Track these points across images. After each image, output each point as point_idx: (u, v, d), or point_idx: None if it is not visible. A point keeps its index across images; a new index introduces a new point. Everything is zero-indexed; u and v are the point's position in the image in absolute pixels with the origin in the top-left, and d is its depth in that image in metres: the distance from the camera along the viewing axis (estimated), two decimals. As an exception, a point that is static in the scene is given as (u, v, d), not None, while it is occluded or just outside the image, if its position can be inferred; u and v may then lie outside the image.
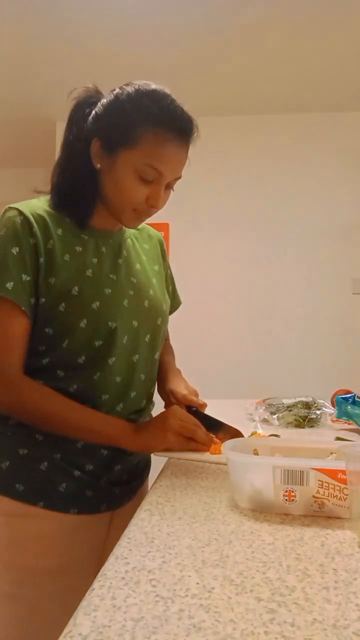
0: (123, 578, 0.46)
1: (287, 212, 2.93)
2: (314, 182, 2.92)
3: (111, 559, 0.50)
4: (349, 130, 2.92)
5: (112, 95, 0.88)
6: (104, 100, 0.89)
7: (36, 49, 2.37)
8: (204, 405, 0.97)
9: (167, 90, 0.89)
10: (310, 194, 2.92)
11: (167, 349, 1.17)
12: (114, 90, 0.89)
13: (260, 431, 1.13)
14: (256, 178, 2.97)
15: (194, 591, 0.43)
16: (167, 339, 1.20)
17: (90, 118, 0.89)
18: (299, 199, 2.93)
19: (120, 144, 0.85)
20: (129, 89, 0.87)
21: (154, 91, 0.87)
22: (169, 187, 0.91)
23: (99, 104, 0.89)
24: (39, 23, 2.18)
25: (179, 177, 0.91)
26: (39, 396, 0.85)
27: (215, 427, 0.94)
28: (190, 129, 0.87)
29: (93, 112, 0.89)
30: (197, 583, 0.45)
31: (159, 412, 0.99)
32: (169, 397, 0.99)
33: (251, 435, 1.07)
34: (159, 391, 1.03)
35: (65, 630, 0.38)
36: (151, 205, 0.89)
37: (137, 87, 0.87)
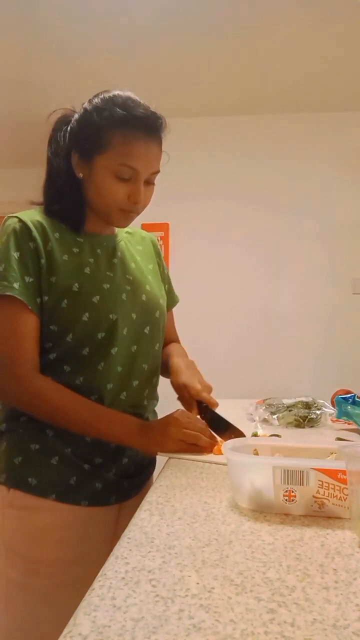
0: (123, 578, 0.46)
1: (287, 211, 2.93)
2: (314, 181, 2.92)
3: (111, 559, 0.50)
4: (349, 130, 2.92)
5: (82, 109, 0.96)
6: (76, 116, 0.96)
7: (36, 50, 2.37)
8: (215, 404, 0.98)
9: (130, 93, 0.95)
10: (310, 193, 2.92)
11: (180, 348, 1.19)
12: (84, 104, 0.96)
13: (260, 431, 1.13)
14: (256, 178, 2.96)
15: (194, 591, 0.43)
16: (178, 341, 1.24)
17: (67, 134, 0.97)
18: (299, 199, 2.92)
19: (94, 151, 0.92)
20: (95, 100, 0.95)
21: (116, 96, 0.93)
22: (149, 182, 0.96)
23: (72, 120, 0.96)
24: (39, 25, 2.18)
25: (157, 172, 0.96)
26: (50, 393, 0.88)
27: (222, 427, 0.94)
28: (155, 123, 0.93)
29: (68, 128, 0.97)
30: (197, 583, 0.45)
31: (165, 404, 0.99)
32: (182, 391, 1.00)
33: (252, 435, 1.07)
34: (172, 384, 1.04)
35: (65, 630, 0.38)
36: (134, 202, 0.94)
37: (101, 96, 0.95)
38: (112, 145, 0.90)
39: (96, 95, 0.96)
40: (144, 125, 0.91)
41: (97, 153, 0.92)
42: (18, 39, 2.30)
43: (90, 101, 0.96)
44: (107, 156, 0.91)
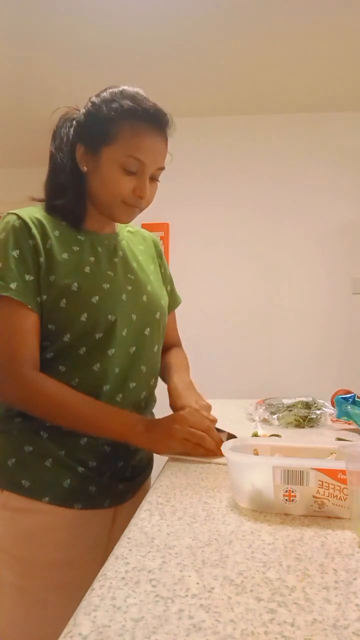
0: (123, 578, 0.46)
1: (287, 211, 2.93)
2: (314, 181, 2.92)
3: (111, 559, 0.50)
4: (349, 130, 2.92)
5: (90, 103, 0.96)
6: (83, 110, 0.96)
7: (36, 50, 2.37)
8: (214, 421, 0.95)
9: (138, 89, 0.96)
10: (310, 193, 2.92)
11: (180, 358, 1.17)
12: (91, 98, 0.96)
13: (261, 431, 1.13)
14: (256, 178, 2.96)
15: (194, 591, 0.43)
16: (180, 346, 1.23)
17: (72, 129, 0.96)
18: (299, 199, 2.93)
19: (102, 143, 0.92)
20: (104, 94, 0.95)
21: (125, 90, 0.94)
22: (153, 179, 0.96)
23: (79, 113, 0.97)
24: (39, 25, 2.18)
25: (162, 168, 0.96)
26: (50, 390, 0.87)
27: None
28: (163, 120, 0.94)
29: (74, 122, 0.97)
30: (197, 583, 0.45)
31: (165, 406, 0.98)
32: None
33: (252, 435, 1.07)
34: (171, 407, 1.01)
35: (65, 630, 0.38)
36: (139, 196, 0.93)
37: (110, 90, 0.95)
38: (120, 137, 0.90)
39: (104, 90, 0.96)
40: (152, 119, 0.91)
41: (105, 144, 0.91)
42: (19, 40, 2.30)
43: (98, 95, 0.96)
44: (114, 147, 0.90)
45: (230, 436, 0.93)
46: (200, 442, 0.85)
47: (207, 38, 2.27)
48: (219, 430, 0.94)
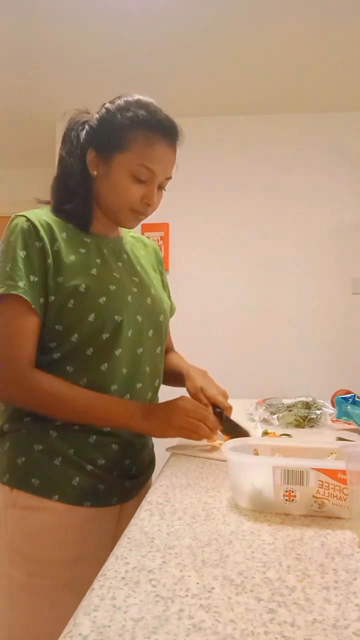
0: (123, 578, 0.46)
1: (287, 212, 2.93)
2: (314, 182, 2.92)
3: (111, 559, 0.50)
4: (349, 130, 2.92)
5: (104, 109, 0.97)
6: (96, 115, 0.98)
7: (37, 50, 2.37)
8: (229, 409, 1.00)
9: (152, 99, 0.97)
10: (310, 193, 2.92)
11: (183, 358, 1.21)
12: (105, 104, 0.98)
13: (271, 430, 1.13)
14: (256, 178, 2.96)
15: (194, 591, 0.43)
16: (174, 349, 1.25)
17: (83, 133, 0.98)
18: (299, 199, 2.92)
19: (114, 149, 0.94)
20: (118, 101, 0.97)
21: (139, 99, 0.96)
22: (160, 187, 0.99)
23: (93, 118, 0.98)
24: (40, 25, 2.18)
25: (170, 178, 0.99)
26: (48, 384, 0.89)
27: (235, 433, 0.95)
28: (175, 131, 0.96)
29: (86, 126, 0.98)
30: (197, 583, 0.45)
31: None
32: (198, 394, 1.01)
33: (263, 434, 1.08)
34: (187, 388, 1.05)
35: (65, 630, 0.38)
36: (146, 204, 0.96)
37: (125, 99, 0.97)
38: (133, 145, 0.92)
39: (118, 97, 0.97)
40: (165, 130, 0.94)
41: (117, 151, 0.93)
42: (21, 42, 2.30)
43: (112, 102, 0.97)
44: (127, 155, 0.93)
45: (238, 429, 0.95)
46: (196, 430, 0.89)
47: (207, 38, 2.27)
48: (242, 430, 0.97)
